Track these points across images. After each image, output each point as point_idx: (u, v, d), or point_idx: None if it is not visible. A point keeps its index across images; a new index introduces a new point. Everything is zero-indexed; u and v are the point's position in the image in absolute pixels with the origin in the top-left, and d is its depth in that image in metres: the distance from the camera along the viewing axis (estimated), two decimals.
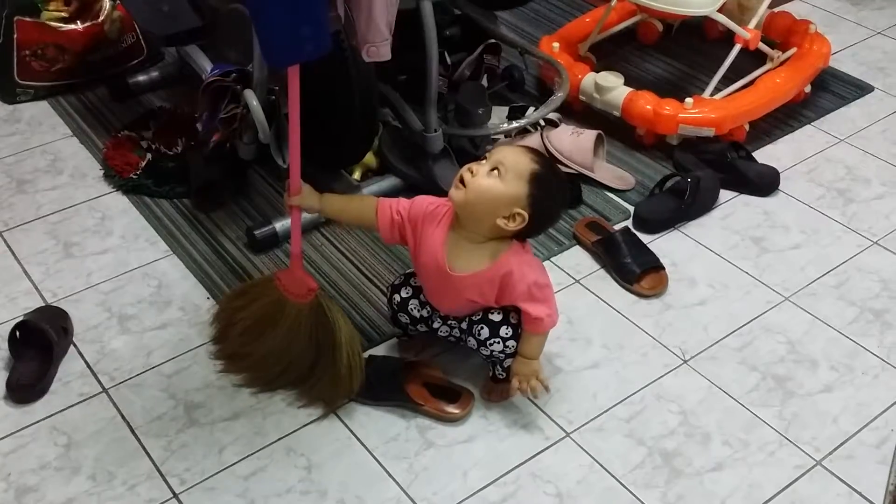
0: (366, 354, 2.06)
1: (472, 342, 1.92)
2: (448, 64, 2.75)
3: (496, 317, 1.89)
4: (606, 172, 2.63)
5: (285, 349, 1.99)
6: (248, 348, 2.03)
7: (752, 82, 2.85)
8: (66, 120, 2.87)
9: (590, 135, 2.60)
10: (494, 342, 1.88)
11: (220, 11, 2.54)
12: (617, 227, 2.43)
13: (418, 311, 1.99)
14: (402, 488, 1.83)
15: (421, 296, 1.97)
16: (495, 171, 1.77)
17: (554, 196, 1.82)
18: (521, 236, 1.85)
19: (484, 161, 1.80)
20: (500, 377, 1.98)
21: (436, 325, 2.00)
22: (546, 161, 1.84)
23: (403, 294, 1.99)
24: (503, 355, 1.91)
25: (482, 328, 1.88)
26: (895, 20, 3.44)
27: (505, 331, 1.88)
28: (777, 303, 2.27)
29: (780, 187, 2.62)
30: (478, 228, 1.82)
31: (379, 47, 2.10)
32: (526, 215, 1.77)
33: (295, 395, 1.99)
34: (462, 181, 1.78)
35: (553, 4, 3.50)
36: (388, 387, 1.97)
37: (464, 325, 1.94)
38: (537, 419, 1.97)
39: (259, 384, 2.01)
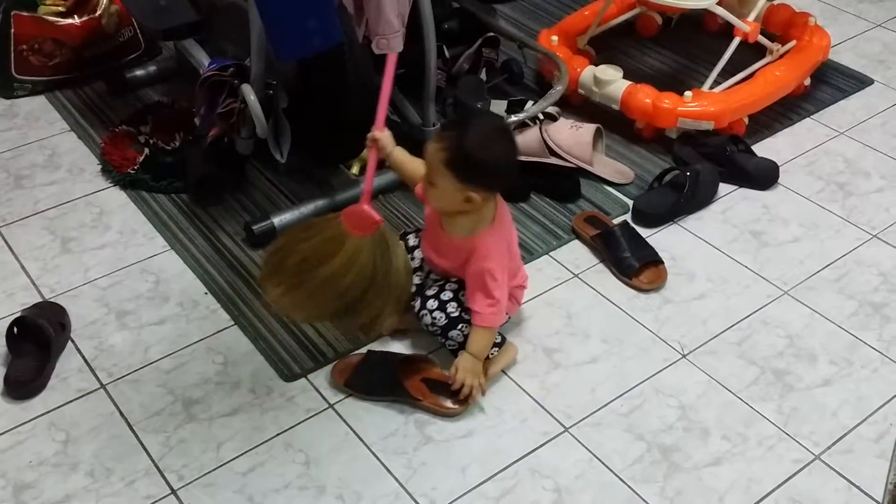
0: (364, 349, 2.07)
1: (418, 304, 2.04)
2: (446, 57, 2.75)
3: (445, 295, 2.02)
4: (605, 166, 2.63)
5: (341, 278, 1.99)
6: (301, 278, 2.01)
7: (751, 75, 2.85)
8: (64, 115, 2.86)
9: (589, 128, 2.59)
10: (424, 314, 2.02)
11: (218, 5, 2.54)
12: (616, 221, 2.43)
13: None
14: (400, 483, 1.83)
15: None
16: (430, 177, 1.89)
17: (487, 158, 1.84)
18: (494, 194, 1.93)
19: None
20: (452, 347, 2.03)
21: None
22: (457, 133, 1.86)
23: (411, 242, 2.16)
24: (429, 327, 2.02)
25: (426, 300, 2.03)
26: (895, 12, 3.43)
27: (431, 303, 2.02)
28: (776, 297, 2.26)
29: (779, 181, 2.61)
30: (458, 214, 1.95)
31: (389, 39, 2.10)
32: (474, 195, 1.86)
33: (346, 321, 2.05)
34: None
35: None
36: (386, 382, 1.97)
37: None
38: (536, 414, 1.97)
39: (310, 312, 2.03)
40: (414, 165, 2.04)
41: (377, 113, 2.02)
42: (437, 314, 2.01)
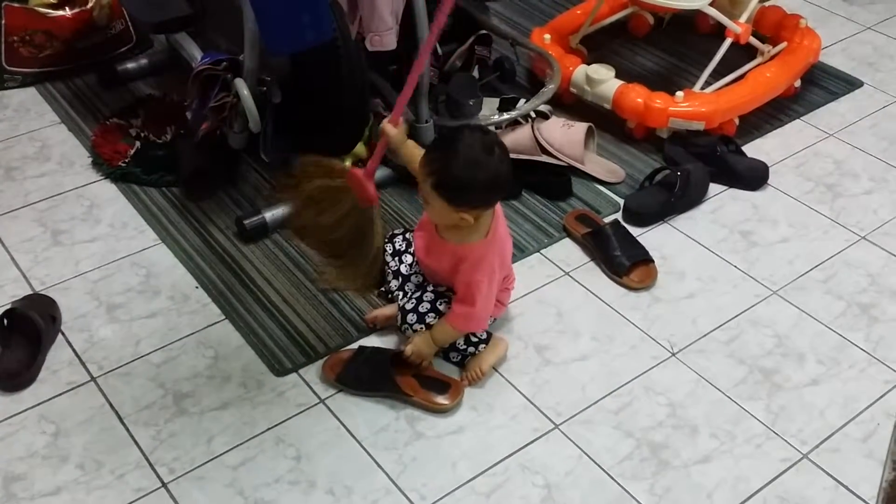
0: (356, 345, 2.08)
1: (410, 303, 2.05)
2: (439, 55, 2.75)
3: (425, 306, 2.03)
4: (597, 165, 2.64)
5: (334, 226, 2.09)
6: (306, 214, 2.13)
7: (742, 76, 2.86)
8: (55, 107, 2.85)
9: (580, 127, 2.60)
10: (405, 328, 2.03)
11: None
12: (607, 219, 2.44)
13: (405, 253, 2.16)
14: (391, 479, 1.84)
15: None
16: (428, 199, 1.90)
17: (475, 181, 1.80)
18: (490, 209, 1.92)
19: None
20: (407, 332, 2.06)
21: (406, 258, 2.14)
22: (442, 157, 1.83)
23: (398, 244, 2.17)
24: (408, 329, 2.03)
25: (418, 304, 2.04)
26: (885, 15, 3.46)
27: (411, 317, 2.02)
28: (765, 296, 2.28)
29: (769, 181, 2.62)
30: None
31: (383, 36, 2.10)
32: (466, 215, 1.86)
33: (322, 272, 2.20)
34: None
35: None
36: (377, 377, 1.97)
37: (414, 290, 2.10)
38: (526, 411, 1.97)
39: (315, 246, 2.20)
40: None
41: (396, 105, 1.97)
42: (417, 327, 2.01)
